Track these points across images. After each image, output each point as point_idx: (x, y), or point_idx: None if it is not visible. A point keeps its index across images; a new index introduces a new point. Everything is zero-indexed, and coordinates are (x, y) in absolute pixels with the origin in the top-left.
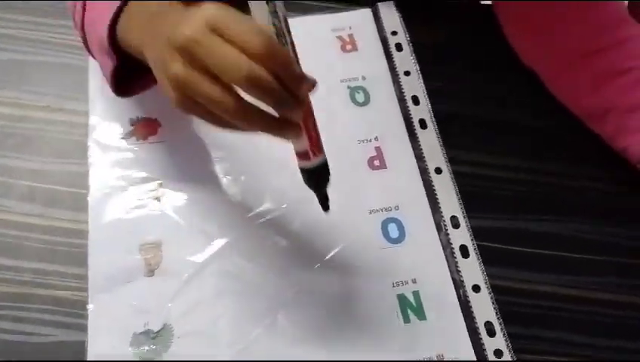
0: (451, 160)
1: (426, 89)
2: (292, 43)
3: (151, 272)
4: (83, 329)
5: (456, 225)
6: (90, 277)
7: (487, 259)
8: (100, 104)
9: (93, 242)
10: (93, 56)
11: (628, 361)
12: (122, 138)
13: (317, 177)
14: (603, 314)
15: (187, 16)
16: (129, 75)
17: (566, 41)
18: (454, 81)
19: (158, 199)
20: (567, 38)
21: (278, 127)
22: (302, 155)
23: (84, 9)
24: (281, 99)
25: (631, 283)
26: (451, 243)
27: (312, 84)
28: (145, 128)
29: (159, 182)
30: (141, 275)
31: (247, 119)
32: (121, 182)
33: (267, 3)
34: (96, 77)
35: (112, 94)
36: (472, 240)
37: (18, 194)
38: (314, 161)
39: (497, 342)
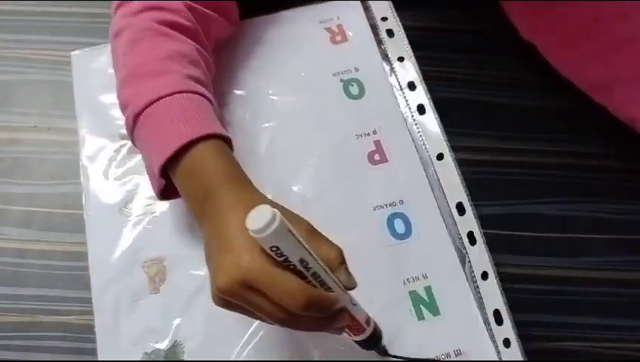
0: (454, 148)
1: (422, 75)
2: (309, 252)
3: (156, 289)
4: (92, 353)
5: (462, 212)
6: (95, 300)
7: (502, 246)
8: (89, 122)
9: (94, 264)
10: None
11: None
12: (114, 154)
13: (370, 341)
14: (625, 295)
15: (225, 264)
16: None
17: (567, 13)
18: (450, 65)
19: (155, 213)
20: (568, 9)
21: (325, 330)
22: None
23: (134, 121)
24: (321, 327)
25: None
26: (459, 232)
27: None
28: None
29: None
30: (147, 293)
31: (295, 328)
32: (116, 200)
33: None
34: (82, 93)
35: (100, 110)
36: (478, 226)
37: (14, 220)
38: (360, 337)
39: (505, 330)
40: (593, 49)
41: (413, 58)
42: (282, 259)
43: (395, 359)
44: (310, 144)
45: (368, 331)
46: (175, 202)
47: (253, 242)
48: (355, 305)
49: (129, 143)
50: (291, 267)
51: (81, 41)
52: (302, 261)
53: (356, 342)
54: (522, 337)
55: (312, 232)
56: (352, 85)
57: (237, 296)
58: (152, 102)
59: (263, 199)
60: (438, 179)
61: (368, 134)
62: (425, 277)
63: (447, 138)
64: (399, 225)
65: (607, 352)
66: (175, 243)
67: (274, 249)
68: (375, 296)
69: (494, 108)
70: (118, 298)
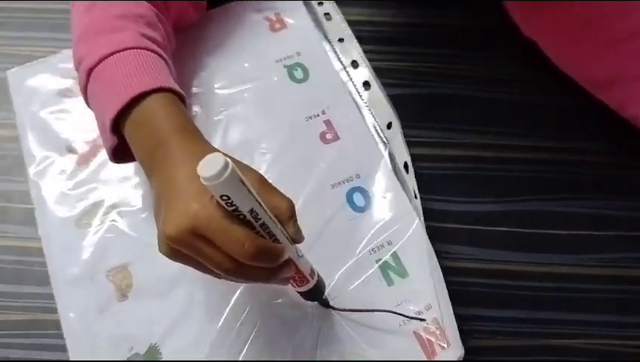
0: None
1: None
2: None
3: (124, 296)
4: (63, 349)
5: (407, 170)
6: (62, 314)
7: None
8: (33, 138)
9: (56, 279)
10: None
11: None
12: (64, 167)
13: (313, 293)
14: (634, 291)
15: (175, 212)
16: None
17: (569, 10)
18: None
19: (114, 221)
20: (570, 6)
21: (271, 281)
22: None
23: (87, 76)
24: (268, 277)
25: None
26: (415, 192)
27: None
28: (84, 151)
29: (112, 203)
30: (114, 301)
31: (242, 279)
32: (71, 213)
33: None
34: (23, 111)
35: (43, 126)
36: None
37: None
38: (304, 288)
39: None
40: (595, 46)
41: (353, 39)
42: (232, 208)
43: (337, 311)
44: (262, 132)
45: (312, 282)
46: (133, 211)
47: (204, 191)
48: (300, 256)
49: (77, 156)
50: (241, 217)
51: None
52: (252, 211)
53: (300, 293)
54: (514, 334)
55: (263, 183)
56: (296, 70)
57: (186, 245)
58: (104, 58)
59: (214, 150)
60: (390, 148)
61: (318, 115)
62: (389, 243)
63: (395, 110)
64: (358, 199)
65: (610, 350)
66: (137, 247)
67: (224, 198)
68: (344, 270)
69: (482, 102)
70: (86, 310)
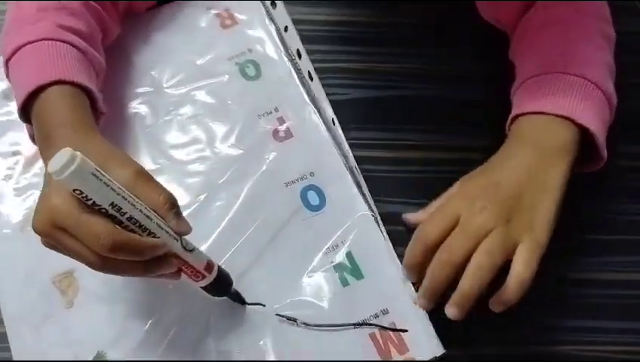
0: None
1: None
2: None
3: (70, 303)
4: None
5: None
6: (6, 319)
7: None
8: None
9: (1, 285)
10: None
11: None
12: (8, 171)
13: (215, 290)
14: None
15: (39, 205)
16: None
17: None
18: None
19: None
20: None
21: (156, 275)
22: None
23: (6, 67)
24: (142, 271)
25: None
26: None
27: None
28: (29, 155)
29: None
30: (61, 308)
31: (113, 272)
32: (17, 218)
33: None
34: None
35: None
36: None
37: None
38: (203, 283)
39: None
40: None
41: (294, 27)
42: (90, 202)
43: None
44: (214, 131)
45: (210, 277)
46: None
47: (65, 187)
48: (191, 251)
49: (22, 158)
50: (102, 211)
51: None
52: (113, 205)
53: (203, 288)
54: (508, 342)
55: (141, 176)
56: (249, 67)
57: (49, 237)
58: (18, 49)
59: (103, 146)
60: (342, 146)
61: (270, 112)
62: (344, 243)
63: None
64: (312, 197)
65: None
66: None
67: (77, 192)
68: (299, 270)
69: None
70: (31, 316)
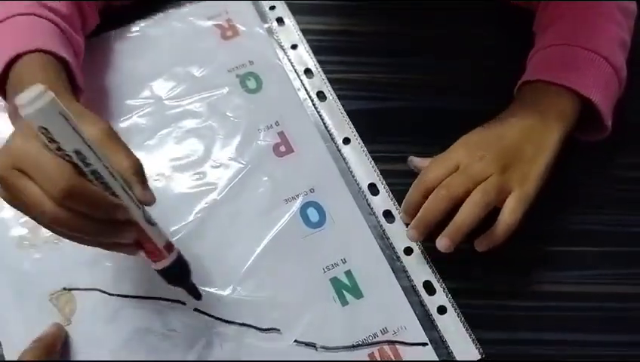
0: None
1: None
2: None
3: (68, 321)
4: None
5: (375, 192)
6: (3, 338)
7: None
8: None
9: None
10: None
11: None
12: None
13: (172, 276)
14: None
15: (3, 146)
16: None
17: None
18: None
19: (56, 241)
20: None
21: (111, 242)
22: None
23: None
24: (98, 232)
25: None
26: (374, 211)
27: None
28: None
29: None
30: None
31: (66, 230)
32: (12, 234)
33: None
34: None
35: None
36: (394, 204)
37: None
38: (160, 265)
39: (439, 298)
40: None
41: (306, 44)
42: (55, 146)
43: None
44: (214, 144)
45: (169, 259)
46: None
47: (30, 128)
48: (153, 224)
49: None
50: (67, 158)
51: None
52: (78, 153)
53: (159, 272)
54: (497, 356)
55: (110, 136)
56: (249, 79)
57: (6, 180)
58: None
59: (72, 103)
60: (347, 163)
61: (271, 126)
62: (344, 262)
63: (351, 123)
64: (312, 214)
65: None
66: (81, 269)
67: (43, 130)
68: (297, 288)
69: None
70: (29, 334)
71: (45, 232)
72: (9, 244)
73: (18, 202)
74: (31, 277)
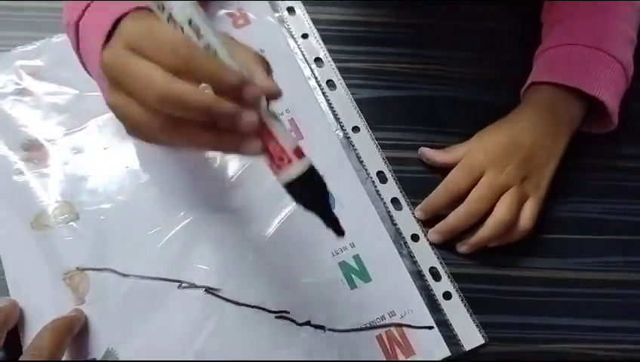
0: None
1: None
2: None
3: (81, 300)
4: None
5: (383, 180)
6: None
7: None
8: None
9: (12, 281)
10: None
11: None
12: (18, 165)
13: (306, 190)
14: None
15: (112, 40)
16: None
17: None
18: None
19: (73, 222)
20: None
21: (227, 142)
22: (273, 169)
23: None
24: (215, 111)
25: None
26: (382, 198)
27: (263, 89)
28: (40, 149)
29: (69, 204)
30: (72, 305)
31: (184, 139)
32: (26, 214)
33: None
34: None
35: (3, 119)
36: (401, 191)
37: None
38: (289, 173)
39: (444, 285)
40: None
41: (317, 33)
42: (167, 15)
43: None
44: None
45: (300, 165)
46: (92, 212)
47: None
48: (277, 120)
49: (34, 154)
50: (179, 29)
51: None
52: (190, 23)
53: (288, 187)
54: (506, 340)
55: (230, 38)
56: None
57: (117, 67)
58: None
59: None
60: (356, 150)
61: (282, 113)
62: (352, 246)
63: (360, 111)
64: None
65: (598, 354)
66: (94, 250)
67: (188, 21)
68: (306, 272)
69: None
70: (41, 312)
71: (56, 215)
72: (25, 224)
73: (127, 89)
74: (45, 257)
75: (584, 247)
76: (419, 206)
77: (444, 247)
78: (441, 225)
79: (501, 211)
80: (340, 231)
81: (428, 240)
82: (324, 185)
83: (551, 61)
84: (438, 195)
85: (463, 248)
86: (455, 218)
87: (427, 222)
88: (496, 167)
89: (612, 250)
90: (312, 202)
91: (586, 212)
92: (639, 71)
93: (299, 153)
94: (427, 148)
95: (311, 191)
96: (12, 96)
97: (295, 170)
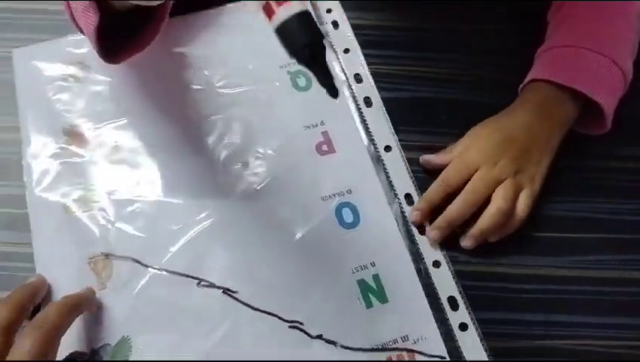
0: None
1: (370, 71)
2: None
3: (103, 285)
4: None
5: (410, 202)
6: None
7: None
8: (32, 119)
9: (40, 263)
10: (76, 22)
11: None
12: (58, 151)
13: (289, 37)
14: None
15: None
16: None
17: None
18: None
19: (101, 209)
20: None
21: None
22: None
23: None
24: None
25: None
26: (408, 220)
27: None
28: (80, 137)
29: (102, 192)
30: (94, 289)
31: None
32: (60, 198)
33: None
34: (25, 90)
35: (44, 106)
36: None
37: None
38: (278, 16)
39: (462, 315)
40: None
41: (359, 50)
42: None
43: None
44: (258, 136)
45: (296, 6)
46: (122, 201)
47: None
48: None
49: (73, 140)
50: None
51: (22, 37)
52: None
53: (279, 31)
54: (500, 336)
55: None
56: (300, 77)
57: None
58: None
59: None
60: (386, 170)
61: (316, 125)
62: (373, 265)
63: (394, 131)
64: (347, 215)
65: (594, 350)
66: (121, 238)
67: None
68: (323, 286)
69: (446, 103)
70: (64, 295)
71: (88, 202)
72: (59, 207)
73: None
74: (74, 241)
75: (578, 245)
76: (413, 206)
77: (446, 244)
78: (439, 220)
79: (498, 200)
80: (334, 92)
81: (449, 268)
82: (321, 34)
83: (553, 60)
84: (432, 191)
85: (466, 242)
86: (452, 210)
87: (446, 246)
88: (489, 162)
89: (605, 249)
90: (307, 48)
91: (580, 211)
92: (636, 72)
93: None
94: (428, 155)
95: (307, 36)
96: (58, 82)
97: (292, 9)
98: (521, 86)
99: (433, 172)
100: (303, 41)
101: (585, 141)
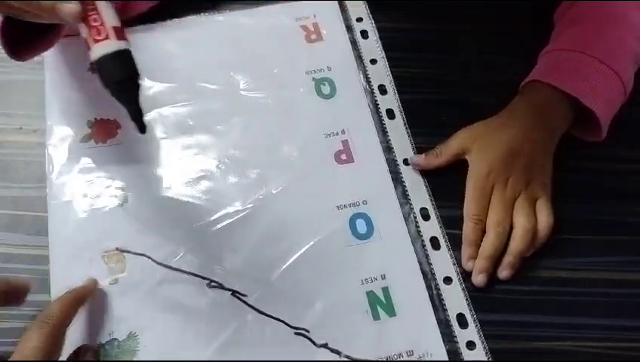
0: (419, 149)
1: (394, 76)
2: None
3: (115, 280)
4: None
5: (426, 217)
6: (52, 286)
7: None
8: (57, 110)
9: (54, 253)
10: None
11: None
12: (81, 142)
13: (109, 70)
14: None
15: None
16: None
17: None
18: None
19: (121, 205)
20: None
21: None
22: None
23: None
24: None
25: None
26: (422, 236)
27: None
28: (103, 130)
29: (121, 186)
30: (105, 283)
31: None
32: (80, 189)
33: None
34: (53, 82)
35: (69, 97)
36: (442, 231)
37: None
38: (100, 50)
39: (470, 333)
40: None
41: (385, 61)
42: None
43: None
44: (279, 140)
45: (114, 45)
46: (141, 196)
47: None
48: None
49: (95, 134)
50: None
51: None
52: None
53: (98, 64)
54: (501, 337)
55: None
56: (324, 84)
57: None
58: None
59: None
60: (403, 183)
61: (337, 133)
62: (383, 277)
63: (414, 139)
64: (361, 225)
65: (593, 351)
66: (137, 234)
67: None
68: (332, 295)
69: (467, 109)
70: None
71: (107, 195)
72: (78, 196)
73: None
74: (90, 233)
75: (581, 247)
76: (464, 259)
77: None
78: (481, 264)
79: (521, 221)
80: (142, 127)
81: (460, 285)
82: (136, 73)
83: (555, 63)
84: (470, 233)
85: (505, 273)
86: (489, 247)
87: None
88: (500, 181)
89: (608, 250)
90: (119, 85)
91: (583, 213)
92: (637, 74)
93: (119, 34)
94: (417, 157)
95: (120, 73)
96: (85, 75)
97: (110, 47)
98: (522, 84)
99: (450, 185)
100: (116, 78)
101: (588, 144)
